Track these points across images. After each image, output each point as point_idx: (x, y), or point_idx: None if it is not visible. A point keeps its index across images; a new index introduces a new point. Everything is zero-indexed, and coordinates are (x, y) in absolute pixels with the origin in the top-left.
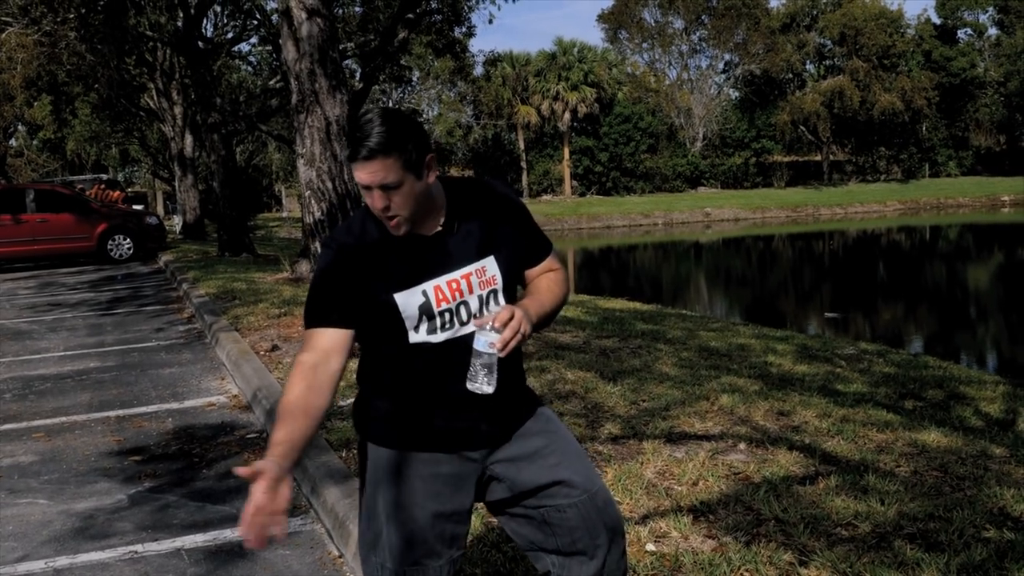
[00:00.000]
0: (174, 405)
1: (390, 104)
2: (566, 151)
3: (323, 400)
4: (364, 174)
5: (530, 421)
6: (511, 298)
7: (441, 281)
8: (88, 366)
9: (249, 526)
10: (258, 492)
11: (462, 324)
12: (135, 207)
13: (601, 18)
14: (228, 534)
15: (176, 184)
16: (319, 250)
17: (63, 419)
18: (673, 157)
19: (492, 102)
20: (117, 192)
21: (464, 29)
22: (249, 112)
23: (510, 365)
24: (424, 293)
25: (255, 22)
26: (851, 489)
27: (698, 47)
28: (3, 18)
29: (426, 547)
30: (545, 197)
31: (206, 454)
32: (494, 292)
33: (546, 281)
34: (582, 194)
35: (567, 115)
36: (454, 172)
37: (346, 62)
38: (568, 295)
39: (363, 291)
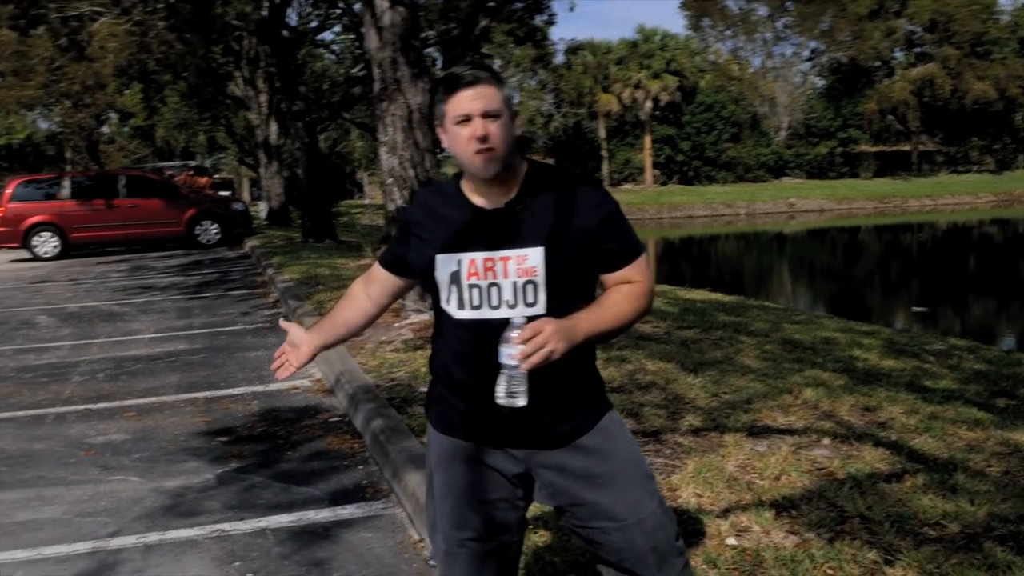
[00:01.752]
0: (260, 388)
1: None
2: (647, 140)
3: (354, 313)
4: (468, 100)
5: (588, 435)
6: (558, 297)
7: (478, 256)
8: (177, 348)
9: (278, 354)
10: (290, 335)
11: (492, 307)
12: (221, 193)
13: (684, 5)
14: (312, 515)
15: (261, 171)
16: None
17: (153, 399)
18: (756, 146)
19: (573, 90)
20: (205, 178)
21: (545, 17)
22: (332, 100)
23: (558, 373)
24: (459, 262)
25: (338, 10)
26: (939, 488)
27: (783, 34)
28: (95, 8)
29: (474, 531)
30: (626, 186)
31: (290, 436)
32: (532, 284)
33: (616, 294)
34: (663, 183)
35: (648, 103)
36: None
37: (428, 50)
38: (645, 309)
39: (421, 242)
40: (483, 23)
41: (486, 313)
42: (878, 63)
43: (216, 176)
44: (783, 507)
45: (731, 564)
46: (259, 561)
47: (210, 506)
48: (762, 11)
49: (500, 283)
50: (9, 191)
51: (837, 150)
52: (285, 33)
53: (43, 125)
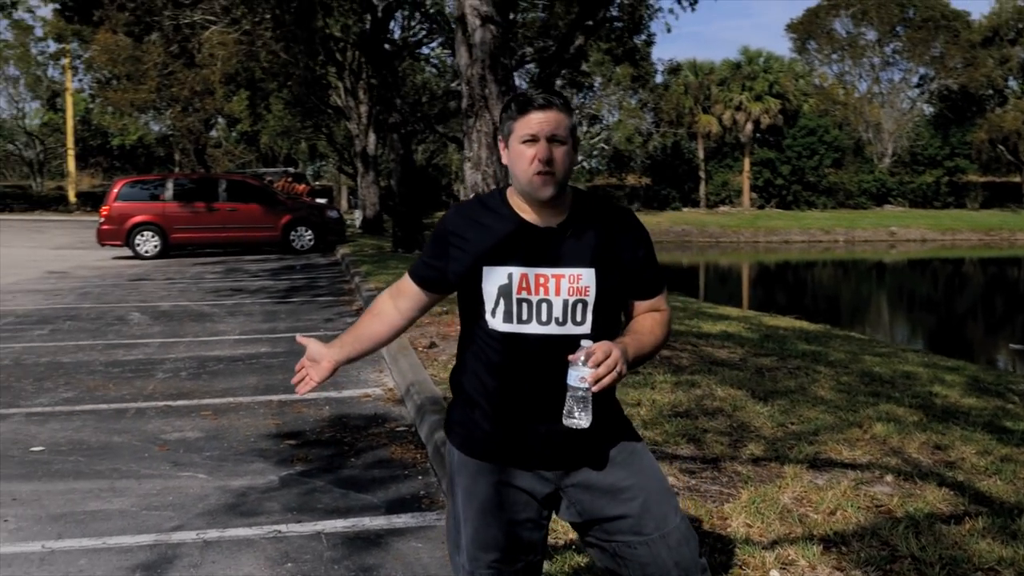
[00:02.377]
0: (332, 394)
1: None
2: (746, 162)
3: (381, 328)
4: (537, 122)
5: (615, 449)
6: (602, 317)
7: (530, 271)
8: (259, 350)
9: (298, 368)
10: (310, 349)
11: (540, 323)
12: (318, 201)
13: (790, 28)
14: (367, 522)
15: (358, 180)
16: None
17: (230, 399)
18: (859, 173)
19: (673, 110)
20: (303, 185)
21: (643, 37)
22: (428, 113)
23: (601, 395)
24: (509, 276)
25: (434, 26)
26: (1000, 532)
27: (891, 59)
28: (207, 17)
29: (501, 552)
30: (722, 208)
31: (356, 443)
32: (583, 303)
33: (650, 321)
34: (761, 207)
35: (749, 126)
36: (631, 180)
37: (528, 66)
38: (668, 338)
39: (463, 253)
40: (578, 41)
41: (534, 328)
42: (990, 91)
43: (317, 184)
44: (833, 542)
45: None
46: (310, 564)
47: (270, 507)
48: (870, 35)
49: (551, 300)
50: (115, 191)
51: (943, 179)
52: (387, 47)
53: (154, 127)
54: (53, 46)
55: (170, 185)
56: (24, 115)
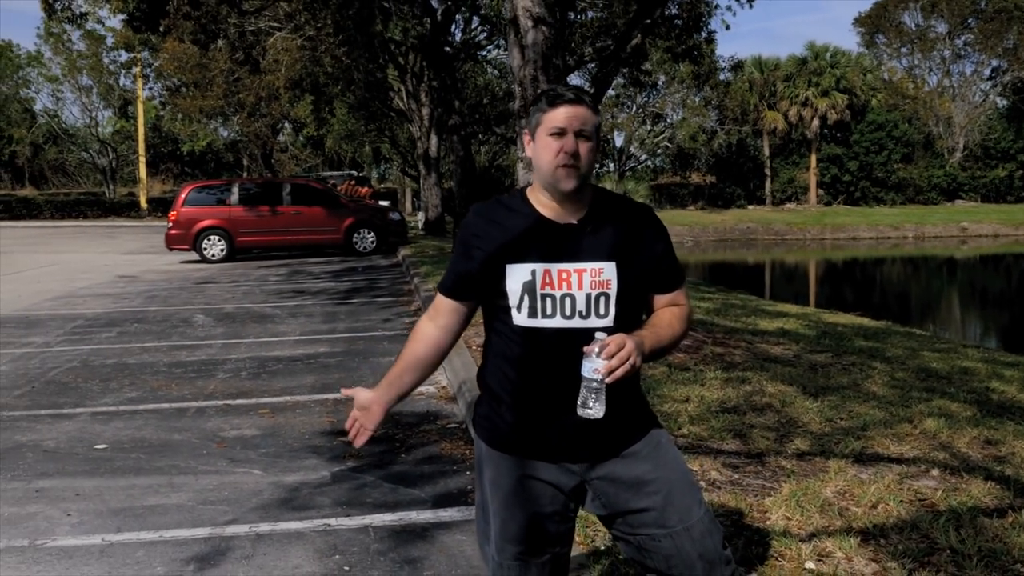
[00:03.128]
0: None
1: (633, 109)
2: (813, 159)
3: (423, 348)
4: (565, 116)
5: (640, 443)
6: (624, 310)
7: (552, 267)
8: (318, 351)
9: (349, 423)
10: (357, 399)
11: (565, 317)
12: (381, 203)
13: (858, 22)
14: (414, 516)
15: (421, 182)
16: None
17: (287, 398)
18: (929, 168)
19: (737, 107)
20: (365, 188)
21: (704, 35)
22: (488, 114)
23: (621, 387)
24: (533, 272)
25: (494, 28)
26: None
27: (962, 52)
28: (271, 24)
29: (528, 544)
30: (788, 205)
31: (407, 440)
32: (605, 296)
33: (668, 315)
34: (828, 203)
35: (816, 122)
36: (695, 178)
37: (589, 65)
38: (687, 331)
39: (485, 254)
40: (635, 40)
41: (558, 322)
42: None
43: (381, 186)
44: (872, 535)
45: None
46: (357, 556)
47: (321, 501)
48: (941, 28)
49: (575, 294)
50: (183, 196)
51: (1017, 173)
52: (447, 49)
53: (223, 133)
54: (124, 55)
55: (236, 190)
56: (97, 123)
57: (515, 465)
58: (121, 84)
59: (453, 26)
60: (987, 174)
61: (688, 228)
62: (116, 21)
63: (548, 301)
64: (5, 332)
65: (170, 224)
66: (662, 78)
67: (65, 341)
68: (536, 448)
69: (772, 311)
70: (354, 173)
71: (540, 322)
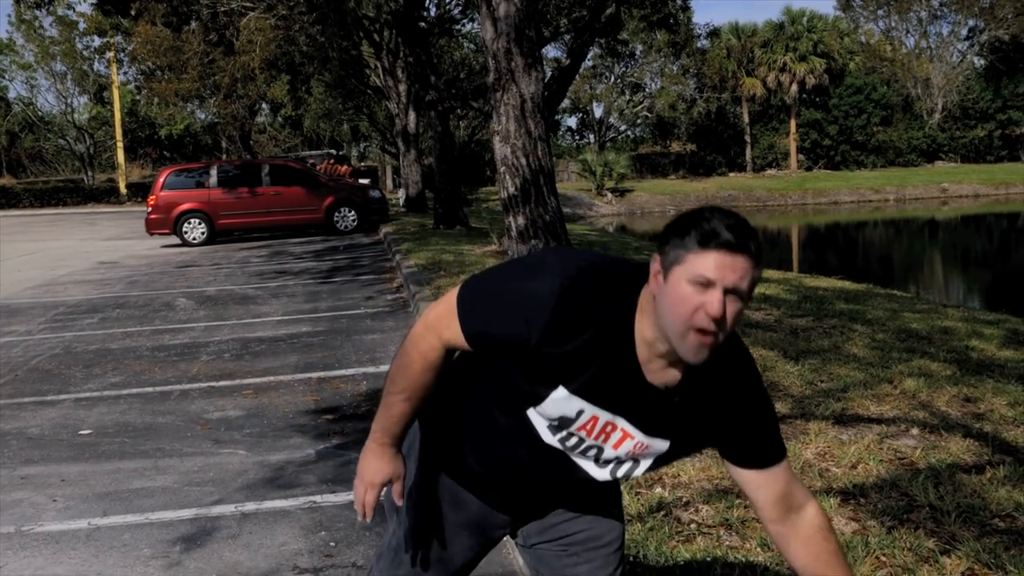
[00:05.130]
0: (370, 369)
1: (611, 79)
2: (792, 124)
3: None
4: (720, 265)
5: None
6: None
7: (604, 416)
8: (300, 330)
9: (358, 503)
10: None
11: (579, 454)
12: (361, 181)
13: None
14: None
15: (400, 159)
16: (522, 232)
17: (271, 378)
18: (908, 130)
19: (716, 75)
20: (345, 167)
21: (679, 2)
22: (465, 89)
23: (607, 493)
24: (580, 412)
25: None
26: (1020, 480)
27: (939, 13)
28: (244, 4)
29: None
30: (769, 171)
31: None
32: (634, 461)
33: (836, 556)
34: (808, 168)
35: (794, 87)
36: (676, 147)
37: (566, 37)
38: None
39: (545, 360)
40: (610, 10)
41: (569, 454)
42: None
43: (362, 164)
44: (852, 495)
45: None
46: (343, 532)
47: (307, 479)
48: None
49: (604, 449)
50: (162, 180)
51: (996, 133)
52: (421, 24)
53: (200, 116)
54: (97, 41)
55: (214, 172)
56: (73, 110)
57: (449, 490)
58: (95, 69)
59: (427, 0)
60: (966, 135)
61: (670, 197)
62: (86, 6)
63: (575, 439)
64: None
65: (150, 209)
66: (639, 47)
67: (47, 328)
68: (489, 499)
69: None
70: (333, 152)
71: (551, 440)
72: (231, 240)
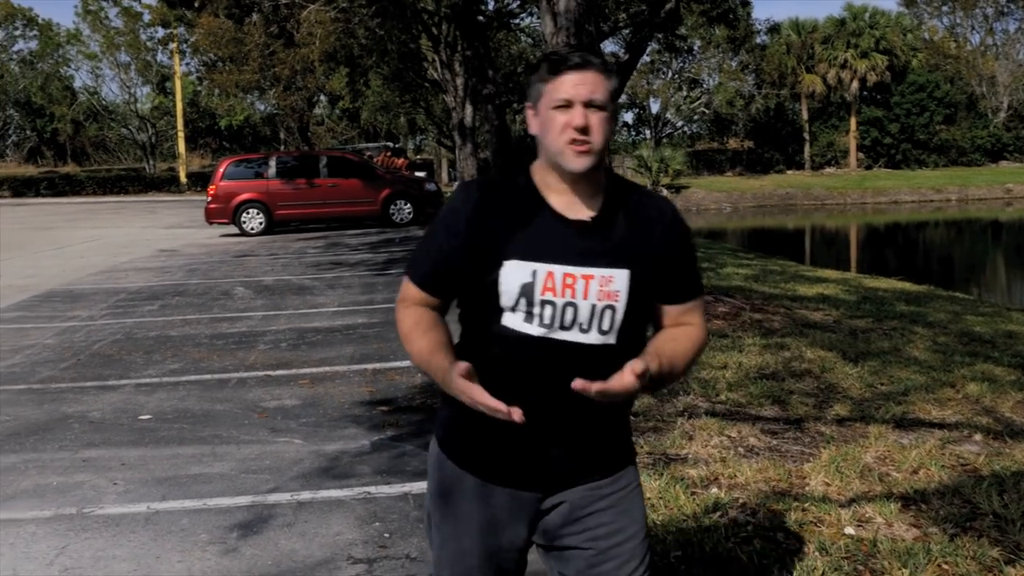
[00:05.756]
0: None
1: (669, 75)
2: (852, 122)
3: (443, 329)
4: (572, 85)
5: (609, 481)
6: (629, 326)
7: (557, 269)
8: (356, 321)
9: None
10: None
11: (563, 328)
12: (417, 174)
13: None
14: None
15: (456, 152)
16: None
17: (327, 368)
18: (972, 129)
19: (775, 71)
20: (401, 159)
21: None
22: (522, 83)
23: (609, 411)
24: (534, 273)
25: None
26: None
27: (1006, 9)
28: None
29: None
30: (828, 170)
31: None
32: (611, 308)
33: (684, 338)
34: (868, 167)
35: (855, 84)
36: (733, 143)
37: (625, 31)
38: (694, 362)
39: (479, 243)
40: (669, 5)
41: (555, 333)
42: None
43: (418, 157)
44: (913, 500)
45: (843, 553)
46: (396, 523)
47: (362, 470)
48: None
49: (577, 303)
50: (221, 170)
51: None
52: (480, 18)
53: (259, 107)
54: (161, 32)
55: (273, 163)
56: (136, 100)
57: (471, 489)
58: (158, 60)
59: None
60: None
61: (726, 194)
62: None
63: (548, 308)
64: (50, 306)
65: (209, 198)
66: (697, 43)
67: (109, 314)
68: (501, 469)
69: (811, 277)
70: (390, 144)
71: (535, 330)
72: (288, 231)
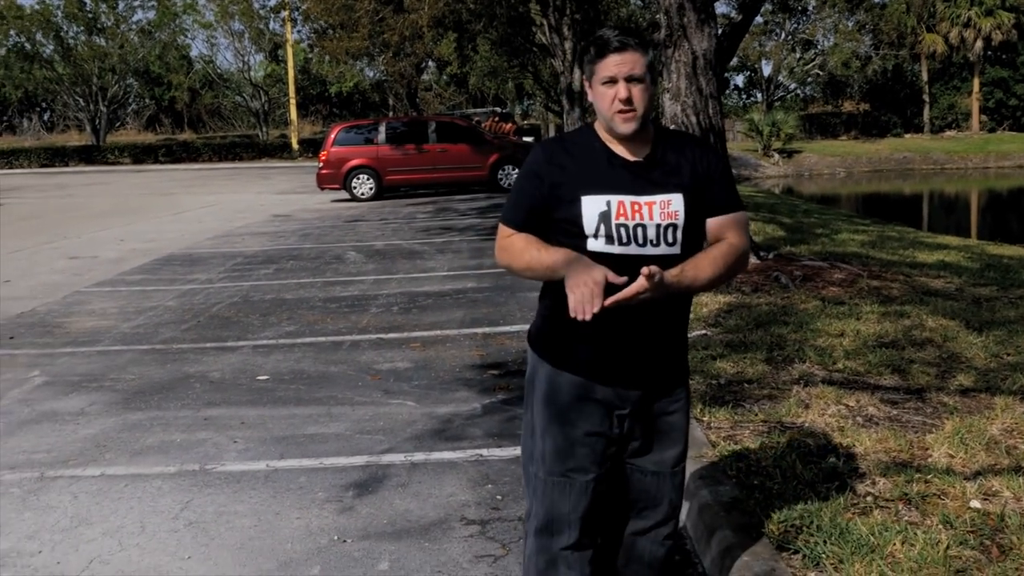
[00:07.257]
0: None
1: (782, 36)
2: (975, 83)
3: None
4: (615, 64)
5: (682, 394)
6: (690, 239)
7: (626, 199)
8: (466, 286)
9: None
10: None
11: (639, 245)
12: (525, 139)
13: None
14: None
15: (564, 117)
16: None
17: (437, 332)
18: None
19: (893, 31)
20: (509, 124)
21: None
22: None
23: (672, 324)
24: (608, 203)
25: None
26: None
27: None
28: None
29: (575, 462)
30: (948, 133)
31: None
32: (673, 226)
33: (716, 251)
34: (991, 130)
35: (979, 43)
36: (848, 106)
37: None
38: (737, 272)
39: (561, 184)
40: None
41: (632, 249)
42: None
43: (525, 122)
44: None
45: (969, 527)
46: (508, 486)
47: (473, 432)
48: None
49: (646, 224)
50: (332, 136)
51: None
52: None
53: (369, 74)
54: (273, 0)
55: (383, 129)
56: (249, 68)
57: (573, 384)
58: (271, 28)
59: None
60: None
61: (840, 159)
62: None
63: (623, 231)
64: (171, 269)
65: (321, 164)
66: (812, 2)
67: (226, 278)
68: (598, 370)
69: (931, 243)
70: (498, 110)
71: (615, 248)
72: (397, 196)
